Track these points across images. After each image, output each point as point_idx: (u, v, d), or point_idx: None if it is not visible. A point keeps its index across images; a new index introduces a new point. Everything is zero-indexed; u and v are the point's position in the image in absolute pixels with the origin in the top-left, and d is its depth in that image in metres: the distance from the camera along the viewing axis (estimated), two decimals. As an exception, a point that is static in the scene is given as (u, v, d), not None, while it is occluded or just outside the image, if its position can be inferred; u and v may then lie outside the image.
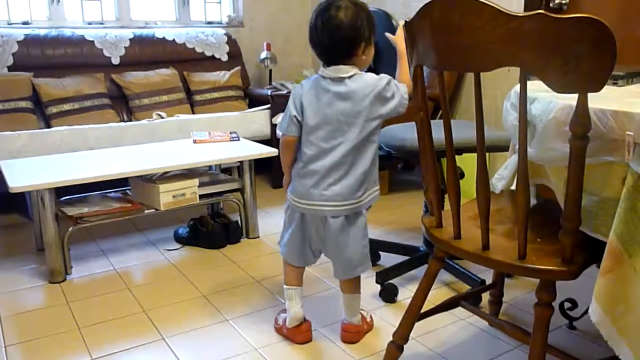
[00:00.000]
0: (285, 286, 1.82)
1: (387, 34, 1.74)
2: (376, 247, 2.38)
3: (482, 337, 1.81)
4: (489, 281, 1.87)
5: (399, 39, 1.70)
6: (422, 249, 2.27)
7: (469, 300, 1.80)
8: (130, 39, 3.72)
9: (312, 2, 4.61)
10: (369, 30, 1.62)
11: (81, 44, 3.56)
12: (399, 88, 1.63)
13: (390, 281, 2.09)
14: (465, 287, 2.11)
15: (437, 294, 2.06)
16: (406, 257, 2.25)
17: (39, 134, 2.92)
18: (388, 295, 2.07)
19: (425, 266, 2.19)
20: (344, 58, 1.61)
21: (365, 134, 1.62)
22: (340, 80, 1.60)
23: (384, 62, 1.86)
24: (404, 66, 1.68)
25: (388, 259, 2.34)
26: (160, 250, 2.59)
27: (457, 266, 2.14)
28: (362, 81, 1.61)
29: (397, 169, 3.36)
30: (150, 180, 2.49)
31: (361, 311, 1.84)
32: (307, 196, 1.67)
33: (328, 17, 1.58)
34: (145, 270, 2.38)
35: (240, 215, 2.73)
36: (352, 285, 1.77)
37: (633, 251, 1.06)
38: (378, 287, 2.09)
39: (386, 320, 1.92)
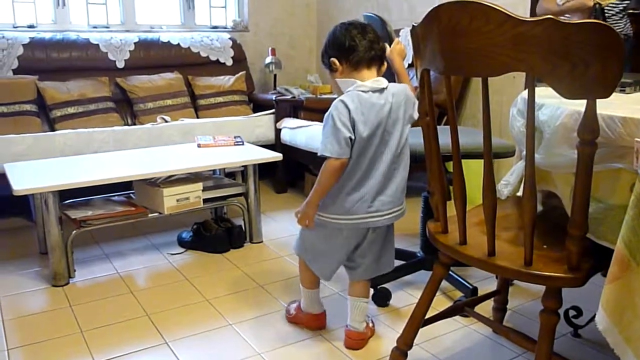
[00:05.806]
0: (305, 289, 1.87)
1: (386, 45, 1.76)
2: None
3: (486, 344, 1.80)
4: (491, 289, 1.85)
5: (394, 54, 1.76)
6: (419, 254, 2.25)
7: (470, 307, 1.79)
8: (135, 43, 3.74)
9: (317, 8, 4.62)
10: None
11: (86, 48, 3.58)
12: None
13: (383, 285, 2.07)
14: (459, 294, 2.10)
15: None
16: (402, 262, 2.23)
17: (43, 137, 2.93)
18: (380, 299, 2.06)
19: (421, 272, 2.22)
20: (379, 67, 1.68)
21: (403, 140, 1.67)
22: (381, 91, 1.64)
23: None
24: (406, 80, 1.75)
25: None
26: (164, 255, 2.59)
27: (450, 273, 2.11)
28: (396, 90, 1.66)
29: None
30: (154, 184, 2.49)
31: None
32: (352, 212, 1.65)
33: (364, 29, 1.65)
34: (148, 274, 2.37)
35: (244, 220, 2.73)
36: (364, 288, 1.79)
37: (641, 259, 1.06)
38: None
39: (385, 323, 1.91)
